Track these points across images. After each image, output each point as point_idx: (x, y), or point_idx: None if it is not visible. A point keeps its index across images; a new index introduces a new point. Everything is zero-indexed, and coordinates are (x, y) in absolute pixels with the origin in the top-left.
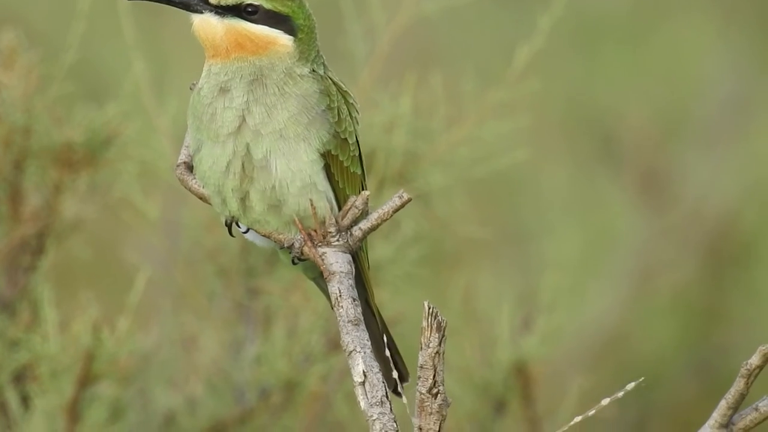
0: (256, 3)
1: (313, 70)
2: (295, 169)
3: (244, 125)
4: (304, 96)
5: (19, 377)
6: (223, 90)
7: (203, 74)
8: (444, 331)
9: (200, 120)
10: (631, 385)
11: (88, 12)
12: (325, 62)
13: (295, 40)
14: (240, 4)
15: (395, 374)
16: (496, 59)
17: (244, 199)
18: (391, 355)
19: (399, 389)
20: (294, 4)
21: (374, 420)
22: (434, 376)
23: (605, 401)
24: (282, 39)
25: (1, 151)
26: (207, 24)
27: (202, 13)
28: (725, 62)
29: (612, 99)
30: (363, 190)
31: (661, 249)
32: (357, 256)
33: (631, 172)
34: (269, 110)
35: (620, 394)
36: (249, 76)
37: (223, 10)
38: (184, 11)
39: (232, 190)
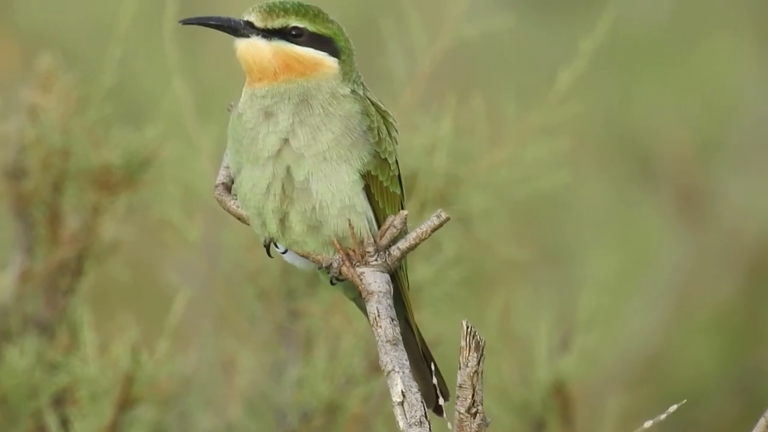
0: (300, 26)
1: (353, 90)
2: (335, 191)
3: (284, 148)
4: (347, 116)
5: (59, 400)
6: (268, 114)
7: (244, 98)
8: (483, 351)
9: (240, 143)
10: (673, 408)
11: (126, 34)
12: (364, 83)
13: (338, 62)
14: (286, 27)
15: (436, 393)
16: (536, 81)
17: (283, 220)
18: (431, 373)
19: (439, 408)
20: (335, 26)
21: None
22: (473, 395)
23: (647, 424)
24: (327, 60)
25: (40, 173)
26: (254, 47)
27: (248, 37)
28: (762, 81)
29: (650, 118)
30: (402, 209)
31: (699, 268)
32: (396, 275)
33: (669, 192)
34: (314, 132)
35: (663, 416)
36: (296, 98)
37: (269, 34)
38: (230, 35)
39: (272, 211)
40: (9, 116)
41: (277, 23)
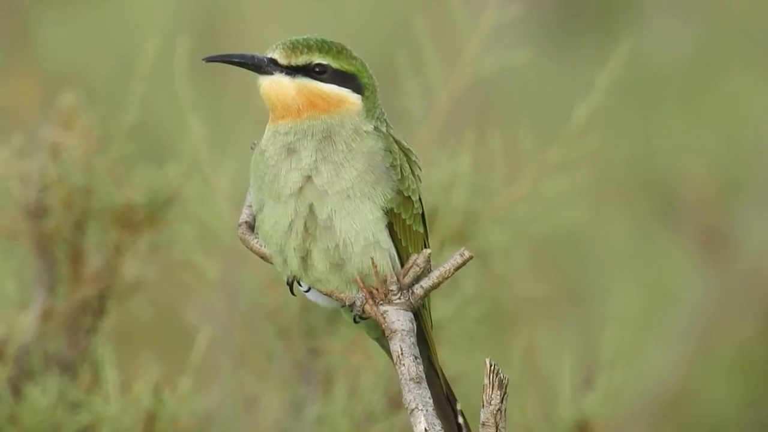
0: (324, 62)
1: (377, 128)
2: (359, 228)
3: (307, 186)
4: (370, 153)
5: None
6: (291, 151)
7: (267, 135)
8: (506, 389)
9: (262, 180)
10: None
11: (147, 72)
12: (388, 120)
13: (362, 98)
14: (309, 64)
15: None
16: (554, 116)
17: (305, 258)
18: (454, 412)
19: None
20: (358, 63)
21: None
22: None
23: None
24: (351, 97)
25: (62, 212)
26: (278, 84)
27: (272, 74)
28: None
29: (672, 155)
30: (425, 248)
31: (722, 306)
32: (419, 313)
33: (691, 229)
34: (337, 168)
35: None
36: (319, 134)
37: (293, 71)
38: (254, 72)
39: (294, 249)
40: (31, 154)
41: (301, 60)
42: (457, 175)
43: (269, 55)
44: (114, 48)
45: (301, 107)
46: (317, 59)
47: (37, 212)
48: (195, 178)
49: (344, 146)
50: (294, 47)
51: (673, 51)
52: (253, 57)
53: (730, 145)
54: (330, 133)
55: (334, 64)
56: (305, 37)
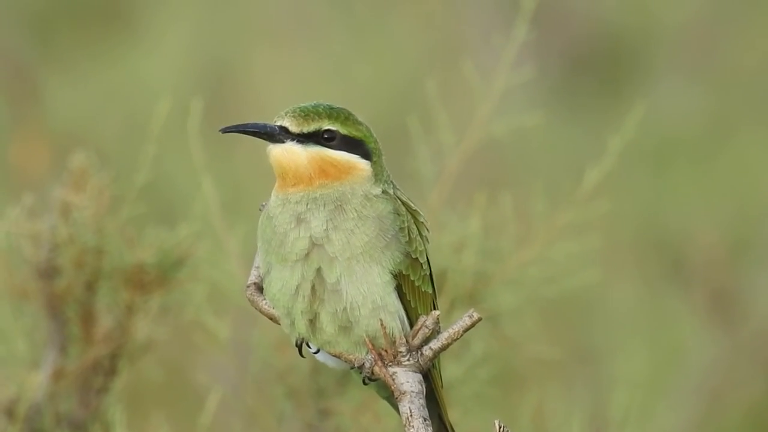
0: (333, 128)
1: (384, 191)
2: (367, 292)
3: (315, 251)
4: (380, 218)
5: None
6: (300, 220)
7: (274, 202)
8: None
9: (269, 244)
10: None
11: (159, 133)
12: (394, 182)
13: (371, 164)
14: (319, 130)
15: None
16: (565, 179)
17: (313, 321)
18: None
19: None
20: (364, 128)
21: None
22: None
23: None
24: (361, 163)
25: (73, 272)
26: (290, 153)
27: (284, 142)
28: None
29: (681, 217)
30: (434, 308)
31: (731, 367)
32: (429, 373)
33: (700, 291)
34: (348, 236)
35: None
36: (331, 204)
37: (304, 138)
38: (266, 141)
39: (301, 312)
40: (42, 214)
41: (312, 128)
42: (468, 236)
43: (279, 123)
44: (123, 108)
45: (312, 175)
46: (326, 125)
47: (48, 272)
48: (206, 239)
49: (355, 213)
50: (306, 115)
51: (682, 113)
52: (265, 126)
53: (740, 208)
54: (342, 201)
55: (343, 131)
56: (313, 103)
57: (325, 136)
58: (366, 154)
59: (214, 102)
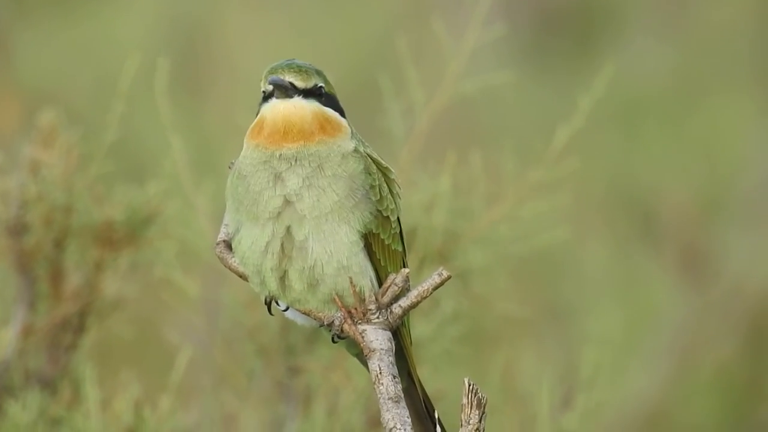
0: (321, 84)
1: (356, 148)
2: (332, 251)
3: (286, 210)
4: (351, 177)
5: None
6: (278, 178)
7: (252, 160)
8: (484, 408)
9: (240, 202)
10: None
11: (128, 91)
12: (363, 140)
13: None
14: (316, 86)
15: None
16: (536, 138)
17: (283, 279)
18: (434, 426)
19: None
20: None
21: None
22: None
23: None
24: (344, 121)
25: (42, 229)
26: (299, 108)
27: (291, 98)
28: (765, 140)
29: (652, 177)
30: (404, 266)
31: (701, 326)
32: (398, 331)
33: (671, 250)
34: (320, 194)
35: None
36: (318, 160)
37: (307, 94)
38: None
39: (270, 269)
40: (11, 172)
41: (311, 83)
42: (438, 195)
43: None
44: (94, 66)
45: (314, 131)
46: (320, 82)
47: (17, 229)
48: (175, 197)
49: (329, 171)
50: (305, 71)
51: (653, 72)
52: (283, 80)
53: (711, 166)
54: (326, 159)
55: (326, 87)
56: (293, 60)
57: (319, 92)
58: (342, 112)
59: (184, 60)
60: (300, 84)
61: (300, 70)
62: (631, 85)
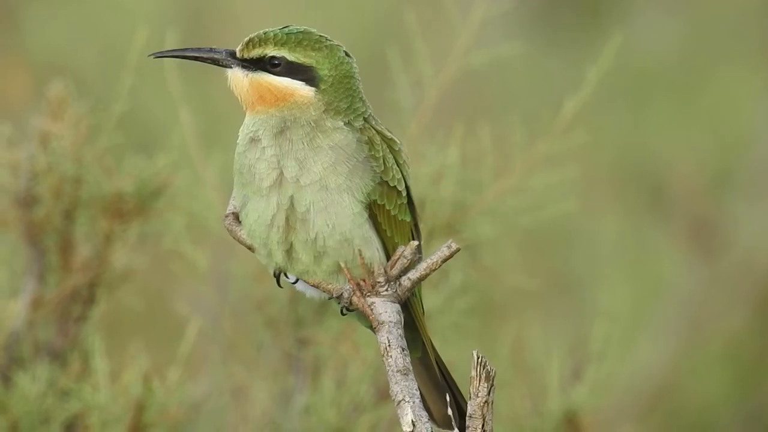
0: (278, 55)
1: (349, 122)
2: (334, 222)
3: (284, 177)
4: (340, 147)
5: (70, 427)
6: (253, 140)
7: (242, 130)
8: (493, 381)
9: (242, 174)
10: None
11: (137, 63)
12: (372, 113)
13: (316, 91)
14: (263, 56)
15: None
16: (544, 110)
17: (289, 251)
18: (447, 401)
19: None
20: (319, 54)
21: None
22: (483, 425)
23: None
24: (302, 90)
25: (52, 201)
26: (236, 78)
27: (231, 67)
28: None
29: (661, 149)
30: (414, 237)
31: (711, 298)
32: (409, 302)
33: (680, 222)
34: (301, 164)
35: None
36: (273, 129)
37: (248, 64)
38: (216, 66)
39: (276, 242)
40: (20, 143)
41: (254, 53)
42: (446, 167)
43: (231, 49)
44: (103, 37)
45: (254, 101)
46: (271, 52)
47: (27, 201)
48: (184, 169)
49: (303, 144)
50: (250, 40)
51: (662, 44)
52: (210, 50)
53: (720, 138)
54: (284, 127)
55: (290, 57)
56: (271, 29)
57: (273, 62)
58: (312, 81)
59: (193, 31)
60: (238, 54)
61: (248, 40)
62: (640, 58)
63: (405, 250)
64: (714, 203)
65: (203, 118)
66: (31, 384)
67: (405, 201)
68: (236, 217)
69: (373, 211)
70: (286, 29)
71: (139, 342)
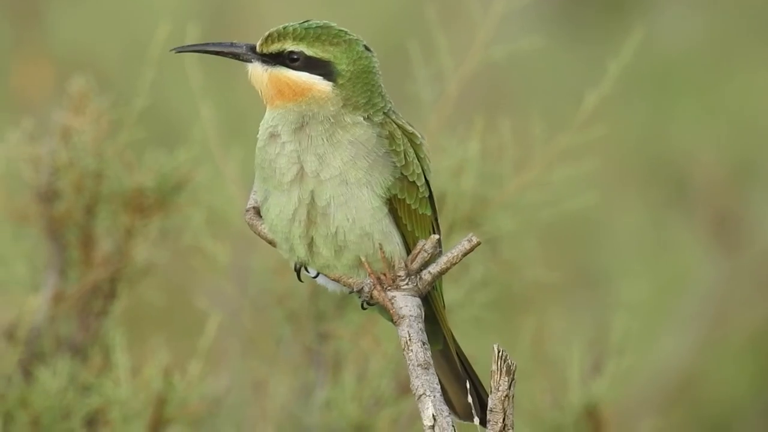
0: (297, 50)
1: (368, 117)
2: (354, 217)
3: (304, 172)
4: (359, 142)
5: (91, 422)
6: (273, 135)
7: (262, 125)
8: (514, 375)
9: (263, 169)
10: None
11: (159, 58)
12: (392, 107)
13: (334, 86)
14: (282, 51)
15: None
16: (565, 103)
17: (311, 245)
18: (467, 393)
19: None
20: (338, 49)
21: None
22: (504, 419)
23: None
24: (320, 85)
25: (73, 195)
26: (255, 72)
27: (251, 62)
28: None
29: (683, 141)
30: (434, 231)
31: (733, 291)
32: (430, 296)
33: (702, 214)
34: (321, 159)
35: None
36: (293, 124)
37: (268, 58)
38: (237, 61)
39: (298, 237)
40: (42, 138)
41: (273, 48)
42: (467, 160)
43: (251, 43)
44: (125, 32)
45: (273, 95)
46: (290, 47)
47: (48, 196)
48: (205, 163)
49: (322, 140)
50: (270, 35)
51: (684, 37)
52: (231, 44)
53: (742, 130)
54: (303, 123)
55: (308, 51)
56: (290, 24)
57: (291, 57)
58: (330, 76)
59: (214, 26)
60: (258, 49)
61: (267, 35)
62: (662, 51)
63: (426, 244)
64: (736, 196)
65: (224, 113)
66: (52, 379)
67: (425, 195)
68: (257, 211)
69: (394, 206)
70: (306, 24)
71: (159, 336)
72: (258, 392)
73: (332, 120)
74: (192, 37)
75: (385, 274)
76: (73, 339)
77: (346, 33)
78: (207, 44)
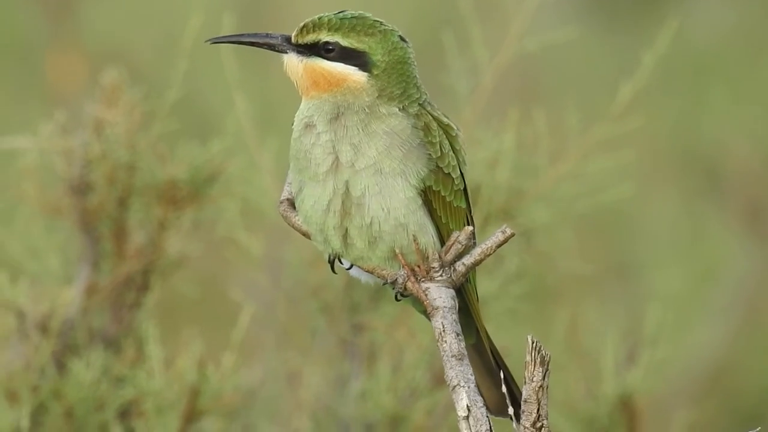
0: (332, 40)
1: (403, 108)
2: (389, 207)
3: (339, 162)
4: (394, 132)
5: (125, 413)
6: (308, 126)
7: (298, 116)
8: (548, 365)
9: (297, 160)
10: None
11: (192, 49)
12: (428, 98)
13: (369, 77)
14: (317, 42)
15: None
16: (600, 94)
17: (345, 237)
18: (504, 377)
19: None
20: (373, 39)
21: None
22: (538, 410)
23: None
24: (355, 75)
25: (106, 188)
26: (291, 63)
27: (287, 53)
28: None
29: (717, 132)
30: (468, 223)
31: (766, 281)
32: (464, 288)
33: (736, 205)
34: (356, 148)
35: None
36: (328, 114)
37: (303, 49)
38: (272, 52)
39: (333, 228)
40: (75, 131)
41: (308, 39)
42: (501, 152)
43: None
44: (158, 24)
45: (308, 86)
46: (325, 37)
47: (81, 188)
48: (238, 155)
49: (358, 130)
50: (305, 26)
51: (717, 27)
52: (266, 35)
53: None
54: (339, 113)
55: (344, 42)
56: (326, 14)
57: (326, 47)
58: (365, 66)
59: (249, 16)
60: (293, 39)
61: (301, 25)
62: (696, 42)
63: (460, 236)
64: None
65: (259, 104)
66: (86, 371)
67: (461, 188)
68: (291, 203)
69: (428, 197)
70: (341, 14)
71: (193, 328)
72: (292, 384)
73: (367, 110)
74: (227, 28)
75: (419, 266)
76: (106, 331)
77: (381, 23)
78: (242, 35)
